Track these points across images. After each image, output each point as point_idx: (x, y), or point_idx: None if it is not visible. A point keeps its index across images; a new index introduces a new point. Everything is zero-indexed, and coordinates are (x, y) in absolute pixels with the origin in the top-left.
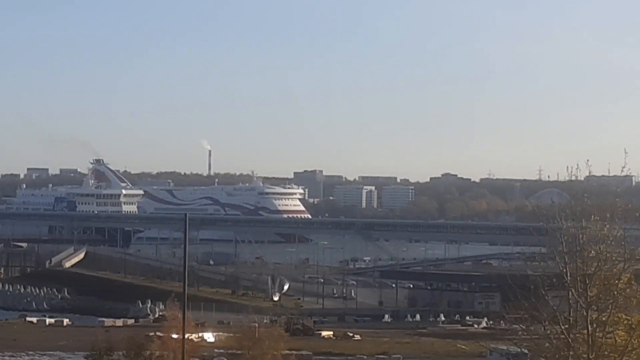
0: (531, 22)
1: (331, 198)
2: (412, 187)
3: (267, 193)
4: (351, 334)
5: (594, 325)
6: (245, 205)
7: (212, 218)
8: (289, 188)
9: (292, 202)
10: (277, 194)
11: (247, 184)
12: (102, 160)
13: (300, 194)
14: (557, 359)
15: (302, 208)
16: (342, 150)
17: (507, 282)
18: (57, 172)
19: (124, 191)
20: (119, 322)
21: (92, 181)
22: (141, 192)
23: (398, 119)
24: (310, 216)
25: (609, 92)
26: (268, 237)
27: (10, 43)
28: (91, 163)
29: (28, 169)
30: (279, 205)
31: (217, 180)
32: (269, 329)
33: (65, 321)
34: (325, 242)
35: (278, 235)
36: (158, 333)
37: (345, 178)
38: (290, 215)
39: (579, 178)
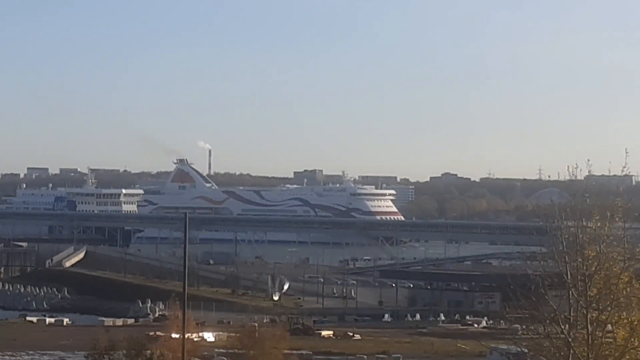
0: (531, 22)
1: None
2: (412, 187)
3: (360, 194)
4: (351, 334)
5: (594, 324)
6: (336, 206)
7: (212, 218)
8: (381, 189)
9: (385, 204)
10: (370, 194)
11: (337, 185)
12: (186, 160)
13: (392, 194)
14: (557, 359)
15: (394, 209)
16: (342, 150)
17: (507, 281)
18: (57, 171)
19: (124, 191)
20: (119, 322)
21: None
22: (141, 192)
23: (398, 119)
24: (403, 218)
25: (609, 92)
26: (360, 240)
27: (9, 43)
28: (174, 163)
29: (28, 168)
30: (372, 206)
31: (305, 180)
32: (271, 329)
33: (66, 321)
34: (417, 245)
35: (371, 238)
36: (158, 333)
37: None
38: (383, 217)
39: (578, 178)
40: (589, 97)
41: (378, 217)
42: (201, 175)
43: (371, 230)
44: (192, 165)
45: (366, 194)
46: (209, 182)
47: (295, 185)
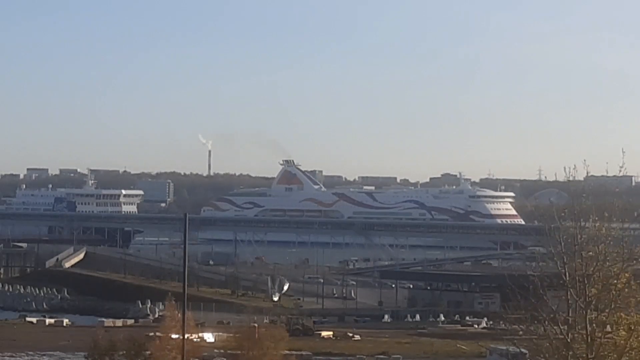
0: (530, 23)
1: None
2: (412, 187)
3: (479, 196)
4: (351, 334)
5: (593, 325)
6: (454, 209)
7: (212, 218)
8: (500, 191)
9: (504, 206)
10: (489, 197)
11: (453, 187)
12: (293, 161)
13: (511, 197)
14: (556, 359)
15: (514, 212)
16: (342, 150)
17: (506, 282)
18: (57, 172)
19: (123, 191)
20: (119, 322)
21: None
22: (141, 192)
23: (398, 119)
24: (522, 221)
25: (608, 93)
26: (480, 244)
27: (9, 44)
28: (280, 164)
29: (28, 169)
30: (492, 209)
31: (419, 182)
32: (271, 329)
33: (65, 321)
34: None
35: (492, 243)
36: (158, 333)
37: (345, 178)
38: (504, 221)
39: (577, 178)
40: (588, 98)
41: (498, 220)
42: (309, 177)
43: (372, 231)
44: (299, 167)
45: (485, 196)
46: (317, 184)
47: (410, 187)
